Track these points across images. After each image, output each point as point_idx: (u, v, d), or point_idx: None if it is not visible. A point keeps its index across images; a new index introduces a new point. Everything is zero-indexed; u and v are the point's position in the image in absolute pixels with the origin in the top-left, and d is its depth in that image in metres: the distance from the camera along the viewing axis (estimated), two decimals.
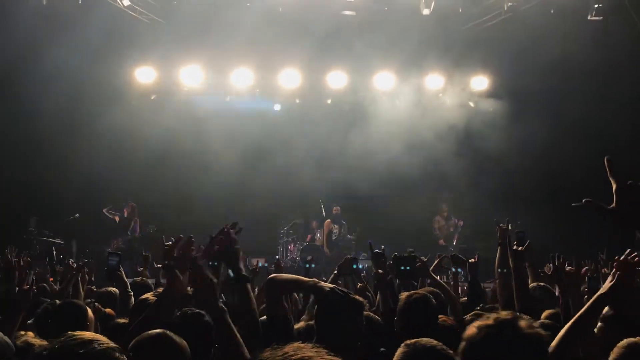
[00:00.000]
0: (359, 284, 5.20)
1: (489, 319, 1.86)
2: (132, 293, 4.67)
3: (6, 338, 2.41)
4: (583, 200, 1.59)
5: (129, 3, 11.56)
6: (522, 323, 1.83)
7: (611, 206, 1.55)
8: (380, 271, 4.00)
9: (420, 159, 12.18)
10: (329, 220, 12.74)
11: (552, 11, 11.47)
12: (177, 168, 12.97)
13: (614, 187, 1.55)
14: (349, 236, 12.85)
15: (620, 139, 11.14)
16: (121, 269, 4.73)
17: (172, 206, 12.69)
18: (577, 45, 10.75)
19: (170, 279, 2.77)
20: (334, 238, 12.68)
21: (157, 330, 2.44)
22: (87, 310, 4.08)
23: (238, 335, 2.41)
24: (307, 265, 5.81)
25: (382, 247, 4.30)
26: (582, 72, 11.12)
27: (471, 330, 1.86)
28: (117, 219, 12.43)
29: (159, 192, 12.54)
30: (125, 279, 4.74)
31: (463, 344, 1.87)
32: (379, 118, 12.45)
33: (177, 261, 2.75)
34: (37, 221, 11.62)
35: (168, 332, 2.46)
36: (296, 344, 1.27)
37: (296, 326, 3.29)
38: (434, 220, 13.13)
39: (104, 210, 12.34)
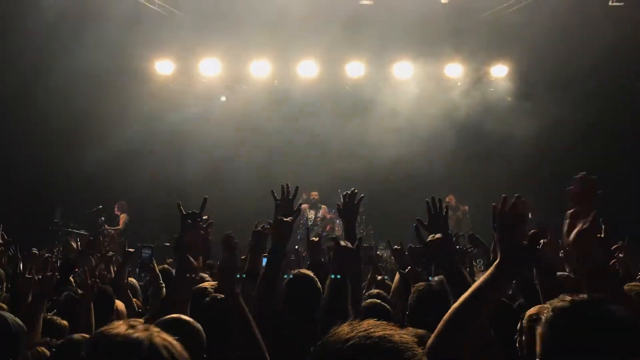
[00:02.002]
0: (378, 276, 5.21)
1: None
2: (163, 284, 4.76)
3: (17, 319, 2.46)
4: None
5: None
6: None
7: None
8: (410, 268, 4.01)
9: (438, 148, 12.19)
10: (306, 205, 12.55)
11: None
12: (198, 158, 13.08)
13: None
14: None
15: None
16: (153, 261, 4.82)
17: (193, 197, 12.80)
18: (599, 31, 10.63)
19: (182, 264, 2.83)
20: (309, 223, 12.58)
21: (173, 315, 2.48)
22: (114, 301, 4.17)
23: (253, 324, 2.47)
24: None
25: (400, 242, 4.32)
26: (603, 59, 10.99)
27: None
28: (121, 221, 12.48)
29: (177, 182, 12.65)
30: (158, 271, 4.82)
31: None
32: (396, 107, 12.44)
33: (189, 247, 2.82)
34: (62, 212, 11.79)
35: (183, 316, 2.51)
36: (372, 321, 1.30)
37: None
38: None
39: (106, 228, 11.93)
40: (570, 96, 11.59)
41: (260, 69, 13.12)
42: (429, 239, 2.47)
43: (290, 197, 3.33)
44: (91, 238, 6.21)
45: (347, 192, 3.98)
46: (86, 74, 11.38)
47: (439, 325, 1.90)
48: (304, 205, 12.41)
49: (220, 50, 12.88)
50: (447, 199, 12.93)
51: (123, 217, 12.57)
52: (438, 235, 2.45)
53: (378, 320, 1.30)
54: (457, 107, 12.51)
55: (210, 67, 13.10)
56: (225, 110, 13.55)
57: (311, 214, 12.79)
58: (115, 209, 12.66)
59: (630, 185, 10.92)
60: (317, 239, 4.67)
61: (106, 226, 11.73)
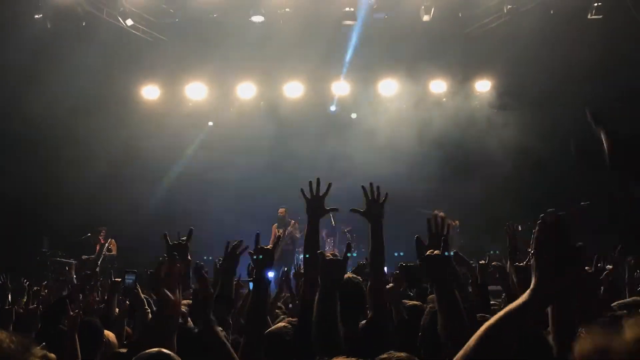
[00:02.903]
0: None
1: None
2: (149, 310, 4.70)
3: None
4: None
5: (132, 23, 11.70)
6: None
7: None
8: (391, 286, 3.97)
9: (427, 163, 12.24)
10: (274, 224, 12.31)
11: (551, 12, 11.51)
12: (185, 183, 13.07)
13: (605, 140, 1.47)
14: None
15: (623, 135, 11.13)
16: (138, 286, 4.76)
17: (179, 220, 12.77)
18: (579, 44, 10.79)
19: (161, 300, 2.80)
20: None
21: (154, 350, 2.45)
22: (102, 332, 4.11)
23: (230, 348, 2.45)
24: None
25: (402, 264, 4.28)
26: (583, 72, 11.13)
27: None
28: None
29: (165, 207, 12.62)
30: (142, 297, 4.77)
31: None
32: (381, 125, 12.51)
33: (165, 281, 2.78)
34: (50, 241, 11.70)
35: (164, 350, 2.48)
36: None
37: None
38: None
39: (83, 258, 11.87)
40: (553, 109, 11.72)
41: (246, 91, 13.20)
42: (427, 254, 2.45)
43: (321, 195, 3.34)
44: (88, 272, 6.16)
45: (368, 190, 3.61)
46: (70, 100, 11.37)
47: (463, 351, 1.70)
48: (273, 226, 12.30)
49: (206, 74, 12.96)
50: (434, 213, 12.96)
51: (113, 243, 12.47)
52: (437, 251, 2.44)
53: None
54: (441, 122, 12.59)
55: (196, 91, 13.17)
56: (212, 133, 13.57)
57: (279, 231, 12.12)
58: (101, 238, 12.45)
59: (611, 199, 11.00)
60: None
61: (83, 257, 11.61)
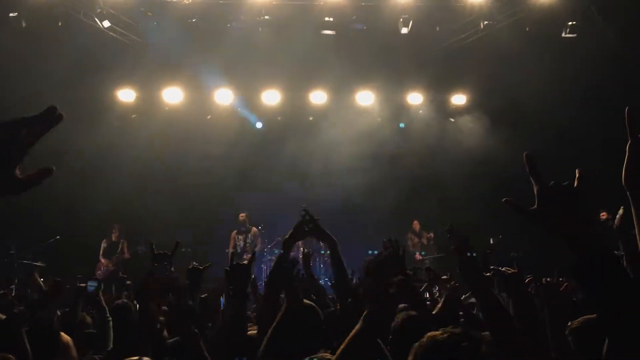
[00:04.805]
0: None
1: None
2: (110, 318, 4.65)
3: None
4: (503, 200, 1.46)
5: (109, 24, 11.59)
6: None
7: (532, 208, 1.42)
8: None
9: (401, 175, 12.34)
10: (234, 231, 11.88)
11: (527, 29, 11.73)
12: (160, 188, 12.95)
13: (535, 187, 1.43)
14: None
15: (594, 154, 11.35)
16: (100, 294, 4.72)
17: (154, 226, 12.64)
18: (551, 62, 11.01)
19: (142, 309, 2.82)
20: (239, 250, 11.49)
21: (134, 358, 2.48)
22: (59, 336, 4.06)
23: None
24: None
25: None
26: (556, 89, 11.34)
27: None
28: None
29: (140, 213, 12.49)
30: (104, 305, 4.72)
31: None
32: (358, 135, 12.59)
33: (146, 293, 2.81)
34: (18, 244, 11.46)
35: (144, 357, 2.50)
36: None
37: None
38: (407, 237, 13.12)
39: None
40: (525, 125, 11.92)
41: (224, 97, 13.18)
42: (464, 256, 2.53)
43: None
44: (58, 279, 6.01)
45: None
46: (42, 101, 11.15)
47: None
48: (232, 234, 11.98)
49: (184, 79, 12.90)
50: (413, 225, 13.06)
51: (125, 245, 12.27)
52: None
53: None
54: (418, 133, 12.72)
55: (173, 96, 13.09)
56: (189, 140, 13.47)
57: (240, 241, 11.87)
58: (114, 235, 12.29)
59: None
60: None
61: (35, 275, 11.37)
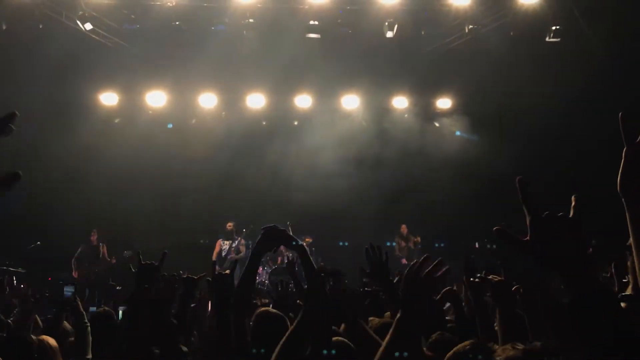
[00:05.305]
0: None
1: None
2: (88, 324, 4.54)
3: None
4: (493, 229, 1.38)
5: (91, 27, 11.43)
6: None
7: (525, 239, 1.36)
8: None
9: (386, 179, 12.32)
10: (219, 239, 12.42)
11: (511, 33, 11.78)
12: (143, 193, 12.80)
13: (528, 218, 1.36)
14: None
15: (580, 157, 11.42)
16: (77, 299, 4.60)
17: (137, 231, 12.50)
18: (536, 66, 11.06)
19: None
20: (223, 254, 12.20)
21: None
22: (32, 345, 3.98)
23: None
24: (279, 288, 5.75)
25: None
26: (540, 93, 11.40)
27: None
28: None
29: (123, 217, 12.34)
30: (82, 310, 4.60)
31: None
32: (343, 138, 12.57)
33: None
34: None
35: None
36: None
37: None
38: (395, 241, 13.11)
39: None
40: (510, 129, 11.97)
41: (208, 101, 13.09)
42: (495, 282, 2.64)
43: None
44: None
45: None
46: (23, 104, 11.01)
47: None
48: (218, 241, 12.30)
49: (167, 82, 12.79)
50: (401, 229, 13.05)
51: (104, 248, 11.99)
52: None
53: None
54: (403, 137, 12.71)
55: (156, 99, 12.98)
56: (172, 143, 13.36)
57: (226, 245, 12.30)
58: (93, 239, 12.03)
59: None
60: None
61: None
